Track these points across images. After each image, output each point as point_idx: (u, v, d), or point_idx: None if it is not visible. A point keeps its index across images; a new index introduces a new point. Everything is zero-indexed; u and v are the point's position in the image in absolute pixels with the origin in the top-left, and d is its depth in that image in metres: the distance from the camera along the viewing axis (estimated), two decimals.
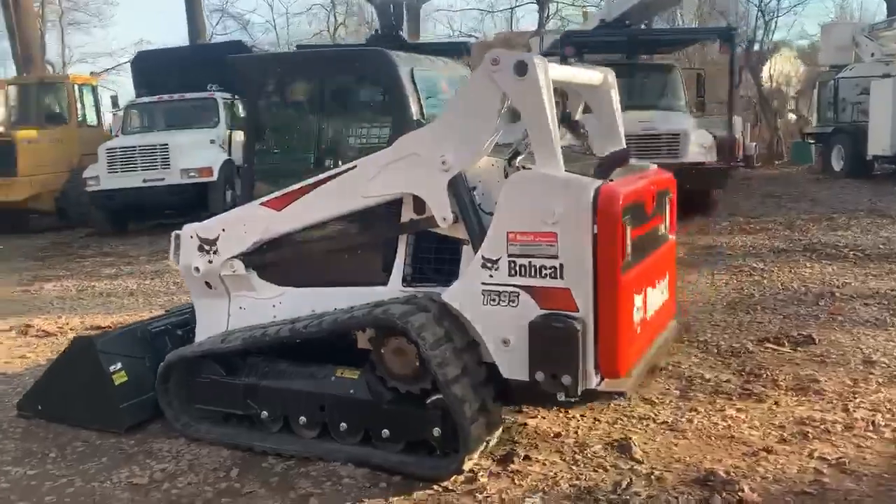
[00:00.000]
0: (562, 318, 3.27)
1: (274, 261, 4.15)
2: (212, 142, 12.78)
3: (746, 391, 4.33)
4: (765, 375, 4.56)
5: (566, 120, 4.28)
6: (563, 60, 12.41)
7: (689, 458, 3.55)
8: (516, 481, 3.42)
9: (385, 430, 3.64)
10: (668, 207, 4.15)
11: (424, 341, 3.37)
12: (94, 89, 15.74)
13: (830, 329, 5.48)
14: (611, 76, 4.24)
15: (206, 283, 4.25)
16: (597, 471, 3.49)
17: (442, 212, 3.59)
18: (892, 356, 4.80)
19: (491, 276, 3.43)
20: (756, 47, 25.46)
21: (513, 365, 3.42)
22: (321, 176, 3.86)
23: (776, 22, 26.42)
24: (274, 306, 4.12)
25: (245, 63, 4.27)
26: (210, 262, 4.16)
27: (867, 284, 6.76)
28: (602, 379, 3.38)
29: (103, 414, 4.22)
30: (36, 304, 7.93)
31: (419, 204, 3.69)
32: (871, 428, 3.75)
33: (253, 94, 4.21)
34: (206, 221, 4.21)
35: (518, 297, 3.39)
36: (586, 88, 4.24)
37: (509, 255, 3.38)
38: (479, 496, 3.30)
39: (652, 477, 3.38)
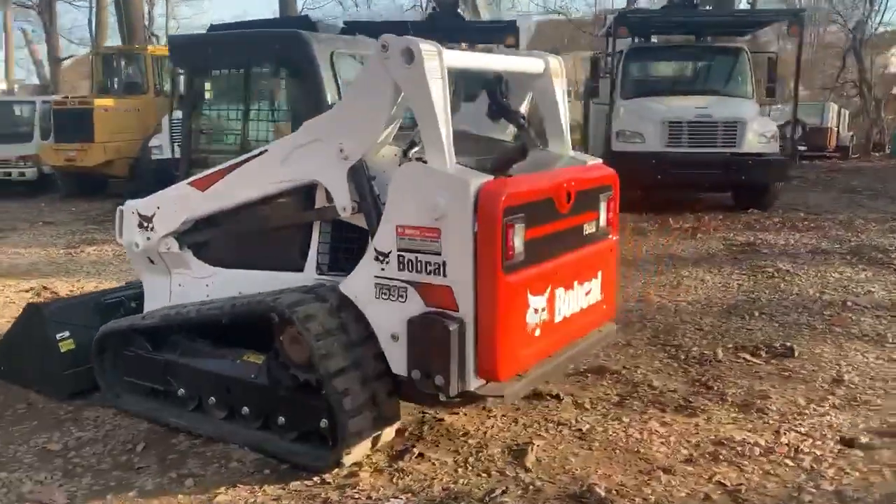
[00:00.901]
0: (438, 317, 3.18)
1: (205, 241, 4.20)
2: None
3: (686, 404, 4.08)
4: (716, 388, 4.29)
5: (503, 111, 4.12)
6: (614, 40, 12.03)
7: (579, 470, 3.39)
8: (395, 480, 3.36)
9: (281, 418, 3.64)
10: (603, 205, 3.92)
11: (309, 332, 3.35)
12: None
13: (820, 341, 5.10)
14: (555, 64, 4.03)
15: (149, 259, 4.35)
16: (480, 475, 3.38)
17: (342, 200, 3.54)
18: (867, 377, 4.42)
19: (382, 269, 3.36)
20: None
21: (398, 361, 3.35)
22: (239, 158, 3.86)
23: (885, 2, 24.40)
24: (207, 286, 4.18)
25: (178, 42, 4.31)
26: (148, 238, 4.25)
27: (891, 295, 6.23)
28: (487, 381, 3.27)
29: (48, 379, 4.41)
30: (69, 266, 8.36)
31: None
32: (791, 454, 3.47)
33: (186, 73, 4.26)
34: (145, 198, 4.30)
35: (406, 292, 3.31)
36: (527, 77, 4.05)
37: (398, 249, 3.30)
38: (349, 492, 3.26)
39: (531, 487, 3.25)
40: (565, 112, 4.10)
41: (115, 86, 15.73)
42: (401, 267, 3.31)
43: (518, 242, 3.22)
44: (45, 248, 9.49)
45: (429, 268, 3.24)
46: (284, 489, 3.31)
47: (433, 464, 3.49)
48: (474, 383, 3.24)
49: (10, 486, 3.39)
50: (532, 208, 3.30)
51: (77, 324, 4.51)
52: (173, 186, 4.20)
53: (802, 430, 3.71)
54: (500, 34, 10.97)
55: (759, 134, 10.61)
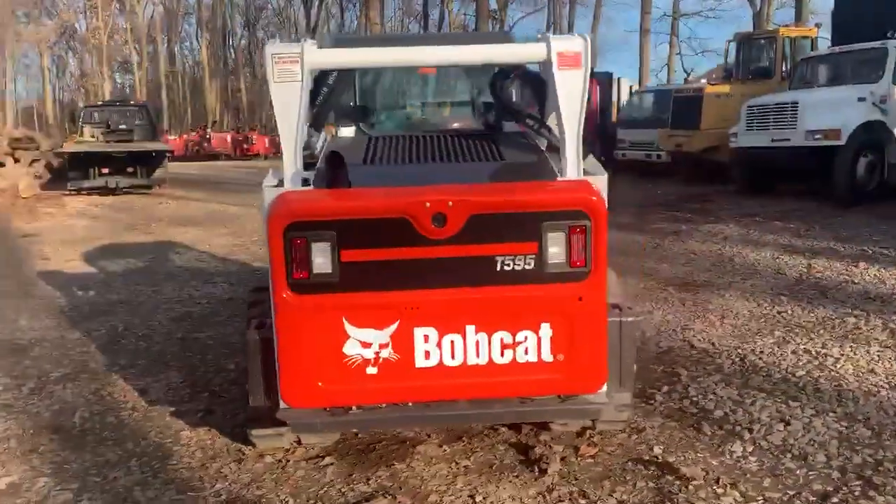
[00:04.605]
0: (250, 326, 3.17)
1: None
2: (860, 99, 11.14)
3: None
4: None
5: (504, 108, 3.38)
6: None
7: None
8: (267, 473, 3.44)
9: None
10: (557, 237, 2.92)
11: (246, 317, 3.70)
12: (812, 42, 15.10)
13: None
14: (566, 48, 3.09)
15: None
16: (309, 501, 3.19)
17: None
18: None
19: None
20: None
21: None
22: None
23: None
24: None
25: None
26: None
27: None
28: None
29: None
30: None
31: None
32: None
33: None
34: None
35: None
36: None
37: None
38: (230, 466, 3.52)
39: None
40: (573, 109, 3.11)
41: (747, 71, 15.58)
42: None
43: (319, 262, 2.92)
44: None
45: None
46: (209, 440, 3.80)
47: (313, 472, 3.42)
48: (280, 403, 3.11)
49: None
50: (354, 227, 2.90)
51: None
52: None
53: None
54: None
55: None
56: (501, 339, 2.99)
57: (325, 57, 3.15)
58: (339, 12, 59.97)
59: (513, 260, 2.94)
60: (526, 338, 2.99)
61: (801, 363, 4.66)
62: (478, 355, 2.99)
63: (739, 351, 4.94)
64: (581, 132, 3.12)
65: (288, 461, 3.55)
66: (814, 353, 4.84)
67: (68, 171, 18.37)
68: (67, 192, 17.73)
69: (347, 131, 3.98)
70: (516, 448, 3.60)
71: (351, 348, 2.98)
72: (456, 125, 4.31)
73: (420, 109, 4.62)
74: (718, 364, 4.70)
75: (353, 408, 3.10)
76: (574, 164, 3.13)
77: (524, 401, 3.11)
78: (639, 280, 7.09)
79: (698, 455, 3.48)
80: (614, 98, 20.27)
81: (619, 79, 20.73)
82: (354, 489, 3.27)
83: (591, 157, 3.28)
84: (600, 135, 19.23)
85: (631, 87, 21.29)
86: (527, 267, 2.94)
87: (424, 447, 3.63)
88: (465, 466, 3.44)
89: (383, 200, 2.93)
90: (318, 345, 2.96)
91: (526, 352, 3.00)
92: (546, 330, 2.99)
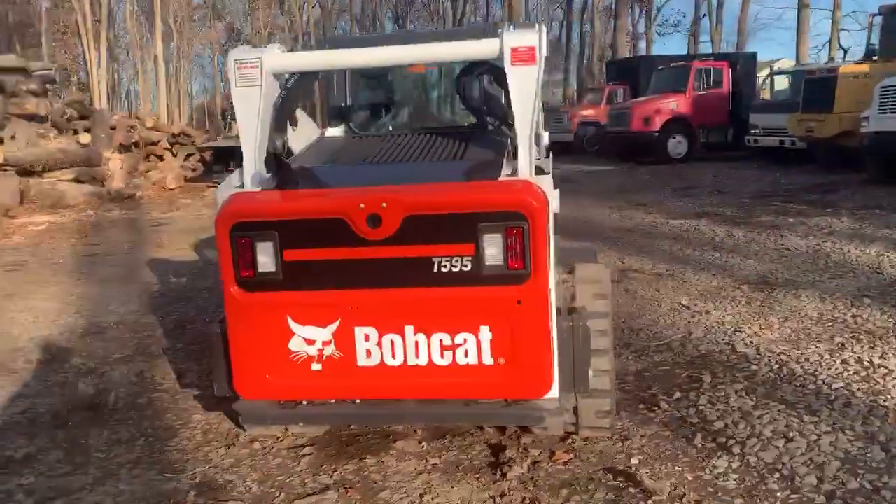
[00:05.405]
0: (220, 319, 3.32)
1: None
2: None
3: None
4: None
5: (465, 104, 3.30)
6: None
7: None
8: (241, 460, 3.61)
9: None
10: (493, 239, 2.85)
11: None
12: None
13: None
14: (519, 43, 3.00)
15: None
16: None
17: None
18: None
19: None
20: None
21: None
22: None
23: None
24: None
25: None
26: None
27: None
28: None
29: None
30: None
31: None
32: None
33: None
34: None
35: None
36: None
37: None
38: (215, 444, 3.73)
39: None
40: (525, 107, 3.01)
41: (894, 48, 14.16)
42: None
43: (264, 261, 3.02)
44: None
45: None
46: (215, 424, 4.00)
47: (289, 461, 3.54)
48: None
49: None
50: (294, 227, 2.98)
51: None
52: None
53: None
54: None
55: None
56: (441, 341, 2.97)
57: (284, 61, 3.23)
58: (485, 3, 60.15)
59: (450, 261, 2.90)
60: (465, 340, 2.95)
61: (845, 374, 4.26)
62: (417, 356, 2.99)
63: (783, 357, 4.58)
64: (534, 131, 3.02)
65: (272, 448, 3.70)
66: (867, 363, 4.40)
67: (213, 165, 19.76)
68: (211, 184, 19.04)
69: (336, 131, 4.07)
70: (493, 449, 3.56)
71: (296, 345, 3.06)
72: (449, 124, 4.28)
73: (413, 108, 4.61)
74: (751, 371, 4.39)
75: (304, 402, 3.19)
76: (526, 164, 3.03)
77: (468, 403, 3.08)
78: (713, 277, 6.71)
79: (676, 468, 3.29)
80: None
81: (756, 60, 19.49)
82: (317, 480, 3.36)
83: (550, 157, 3.17)
84: (734, 120, 18.28)
85: (771, 68, 19.95)
86: (464, 269, 2.90)
87: (404, 443, 3.66)
88: (433, 465, 3.44)
89: (320, 202, 2.99)
90: (266, 340, 3.07)
91: (466, 354, 2.96)
92: (485, 333, 2.93)
